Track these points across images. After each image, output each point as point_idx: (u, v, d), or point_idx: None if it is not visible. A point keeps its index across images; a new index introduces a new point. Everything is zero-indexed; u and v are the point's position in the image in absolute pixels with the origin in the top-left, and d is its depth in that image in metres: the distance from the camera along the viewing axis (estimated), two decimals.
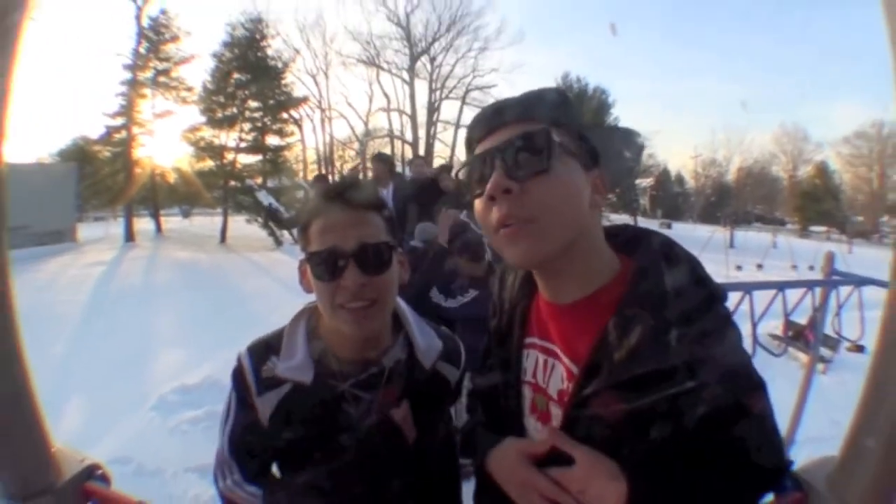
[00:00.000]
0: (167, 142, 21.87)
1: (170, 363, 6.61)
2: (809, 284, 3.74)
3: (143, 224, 21.76)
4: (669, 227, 39.19)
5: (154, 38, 21.08)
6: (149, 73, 21.04)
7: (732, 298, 2.85)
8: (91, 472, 1.15)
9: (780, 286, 3.22)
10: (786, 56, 74.70)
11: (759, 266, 18.35)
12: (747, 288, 2.95)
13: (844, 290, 4.10)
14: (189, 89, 21.47)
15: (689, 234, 30.54)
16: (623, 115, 36.78)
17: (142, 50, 20.87)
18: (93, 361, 6.66)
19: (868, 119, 49.98)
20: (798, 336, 8.19)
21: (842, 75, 74.83)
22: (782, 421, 4.76)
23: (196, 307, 9.41)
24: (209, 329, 7.93)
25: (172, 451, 4.53)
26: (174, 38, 21.49)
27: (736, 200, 44.33)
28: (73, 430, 4.90)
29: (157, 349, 7.18)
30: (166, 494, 4.01)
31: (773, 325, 7.88)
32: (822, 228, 41.02)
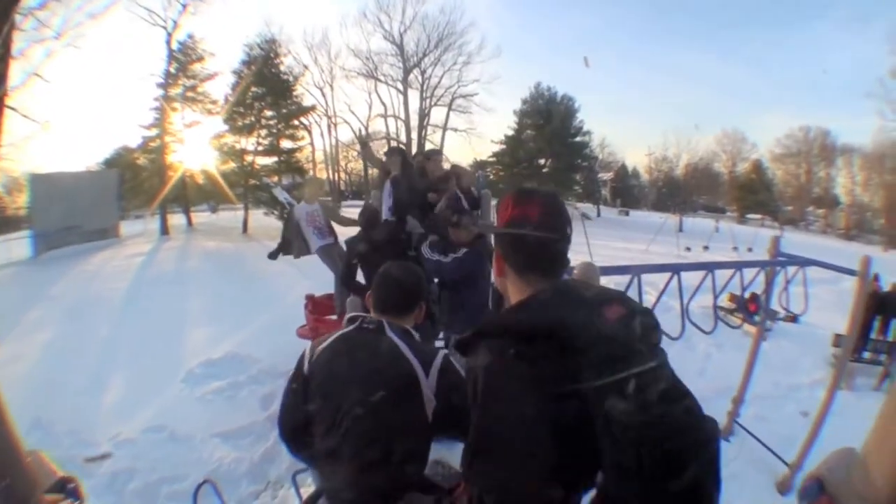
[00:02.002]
0: (196, 147, 21.36)
1: (197, 340, 6.45)
2: (763, 264, 3.64)
3: (177, 219, 21.37)
4: (627, 214, 39.26)
5: (183, 59, 20.66)
6: (178, 90, 20.66)
7: (697, 276, 2.72)
8: (63, 487, 0.93)
9: (739, 265, 3.11)
10: (725, 72, 74.50)
11: (706, 247, 18.29)
12: (710, 267, 2.82)
13: (789, 269, 4.01)
14: (214, 102, 21.14)
15: (644, 220, 30.63)
16: (587, 118, 36.79)
17: (172, 70, 20.46)
18: (132, 340, 6.53)
19: (796, 124, 50.23)
20: (742, 308, 8.12)
21: (772, 88, 74.79)
22: (731, 382, 4.69)
23: (221, 289, 9.22)
24: (232, 308, 7.75)
25: (200, 418, 4.41)
26: (200, 59, 21.05)
27: (684, 191, 44.58)
28: (115, 403, 4.86)
29: (187, 328, 7.02)
30: (196, 458, 3.90)
31: (718, 299, 7.78)
32: (758, 216, 41.17)
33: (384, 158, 5.32)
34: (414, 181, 4.97)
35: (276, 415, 3.76)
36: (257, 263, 11.24)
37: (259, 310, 7.40)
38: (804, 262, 3.85)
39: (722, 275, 2.87)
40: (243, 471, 3.73)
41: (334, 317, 5.11)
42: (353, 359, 1.58)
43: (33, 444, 3.09)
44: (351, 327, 1.68)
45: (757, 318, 7.93)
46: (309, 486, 2.31)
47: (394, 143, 32.50)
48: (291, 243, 5.65)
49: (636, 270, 2.10)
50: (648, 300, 2.26)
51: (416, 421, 1.56)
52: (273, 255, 6.00)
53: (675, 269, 2.41)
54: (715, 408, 5.02)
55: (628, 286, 2.25)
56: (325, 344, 1.67)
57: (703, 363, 6.06)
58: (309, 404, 1.64)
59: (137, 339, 6.58)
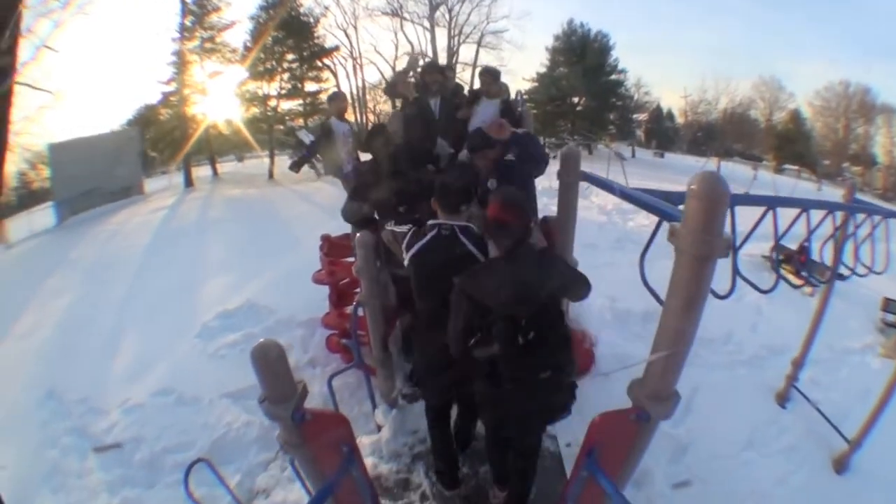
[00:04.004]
0: (218, 98, 20.82)
1: (214, 290, 6.17)
2: (849, 209, 3.12)
3: (203, 171, 21.09)
4: (662, 156, 37.98)
5: (198, 11, 19.77)
6: (196, 42, 19.87)
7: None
8: None
9: (832, 207, 2.60)
10: (765, 15, 69.90)
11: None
12: (806, 204, 2.33)
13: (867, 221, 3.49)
14: (233, 51, 20.54)
15: (680, 163, 29.59)
16: (622, 57, 34.92)
17: (188, 23, 19.55)
18: (149, 297, 6.37)
19: (835, 76, 47.21)
20: (788, 259, 7.53)
21: (813, 37, 69.87)
22: (784, 340, 4.26)
23: (242, 236, 8.91)
24: (252, 255, 7.44)
25: (210, 377, 4.16)
26: (216, 9, 20.13)
27: (720, 137, 42.82)
28: (128, 365, 4.70)
29: (205, 278, 6.73)
30: (202, 423, 3.66)
31: (764, 247, 7.23)
32: (794, 167, 39.50)
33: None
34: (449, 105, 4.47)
35: (292, 369, 3.71)
36: (282, 208, 10.99)
37: (279, 255, 7.05)
38: (888, 214, 3.32)
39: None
40: (253, 437, 3.45)
41: (352, 259, 4.64)
42: (438, 259, 2.25)
43: (46, 416, 3.12)
44: (433, 233, 2.28)
45: (805, 273, 7.39)
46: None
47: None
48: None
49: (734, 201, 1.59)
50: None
51: None
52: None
53: (771, 202, 1.95)
54: (770, 368, 4.63)
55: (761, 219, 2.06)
56: (417, 248, 2.29)
57: (754, 318, 5.61)
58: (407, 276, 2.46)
59: (155, 295, 6.39)
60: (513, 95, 5.00)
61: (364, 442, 3.05)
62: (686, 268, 1.42)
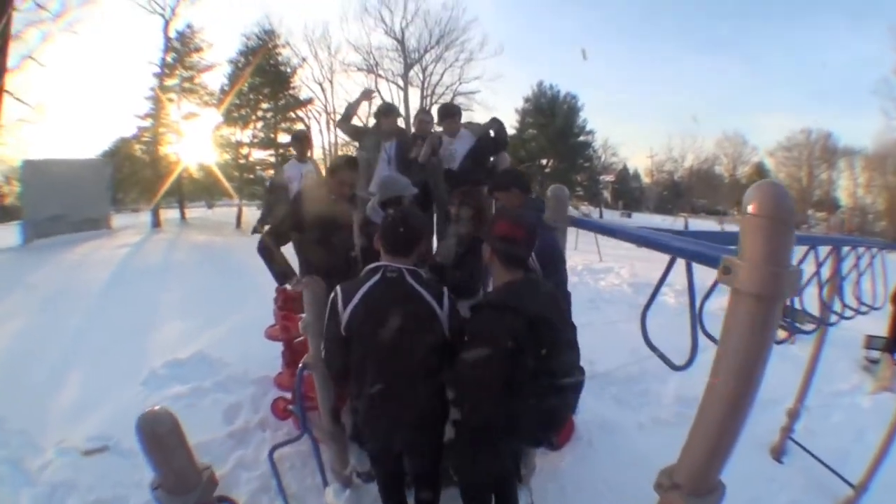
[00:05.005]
0: (192, 140, 20.54)
1: (168, 335, 5.80)
2: (854, 242, 2.94)
3: (171, 214, 20.69)
4: (629, 216, 38.59)
5: (180, 49, 19.96)
6: (175, 80, 19.93)
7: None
8: None
9: (855, 242, 2.40)
10: (726, 73, 73.78)
11: None
12: (837, 242, 2.13)
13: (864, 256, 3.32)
14: (210, 94, 20.57)
15: (647, 222, 29.99)
16: (591, 118, 36.01)
17: (169, 59, 19.74)
18: (102, 334, 5.92)
19: (797, 126, 49.50)
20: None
21: (773, 91, 73.73)
22: (772, 391, 3.99)
23: (203, 282, 8.54)
24: (211, 302, 7.07)
25: None
26: (198, 50, 20.38)
27: (686, 194, 44.06)
28: (69, 403, 4.33)
29: (160, 321, 6.35)
30: (139, 479, 3.18)
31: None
32: None
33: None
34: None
35: (240, 431, 3.80)
36: (246, 257, 10.57)
37: (239, 305, 6.69)
38: (883, 246, 3.16)
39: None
40: None
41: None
42: (387, 305, 2.02)
43: None
44: (377, 277, 2.07)
45: (787, 321, 7.21)
46: None
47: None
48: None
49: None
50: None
51: (438, 340, 2.07)
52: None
53: (812, 241, 1.73)
54: (760, 423, 4.30)
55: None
56: (359, 295, 2.04)
57: None
58: (347, 336, 2.08)
59: (108, 332, 5.96)
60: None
61: None
62: (748, 313, 1.08)
